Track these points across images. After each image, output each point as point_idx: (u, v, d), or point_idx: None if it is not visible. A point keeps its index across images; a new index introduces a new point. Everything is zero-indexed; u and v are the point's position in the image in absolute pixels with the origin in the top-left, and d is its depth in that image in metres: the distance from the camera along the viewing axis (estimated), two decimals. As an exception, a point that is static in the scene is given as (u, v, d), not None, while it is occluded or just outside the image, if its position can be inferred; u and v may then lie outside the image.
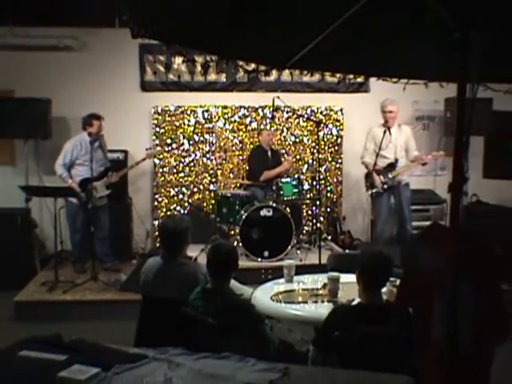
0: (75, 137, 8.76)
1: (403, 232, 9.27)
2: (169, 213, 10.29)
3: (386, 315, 3.93)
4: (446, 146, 10.43)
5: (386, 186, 9.04)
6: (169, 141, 10.25)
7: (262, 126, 10.34)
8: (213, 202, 10.15)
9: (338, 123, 10.60)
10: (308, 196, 10.17)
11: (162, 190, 10.33)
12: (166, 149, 10.22)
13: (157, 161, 10.18)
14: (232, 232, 9.87)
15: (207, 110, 10.32)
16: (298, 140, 10.56)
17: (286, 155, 10.37)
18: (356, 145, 9.93)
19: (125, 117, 9.70)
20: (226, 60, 4.37)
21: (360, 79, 9.59)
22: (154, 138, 10.22)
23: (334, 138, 10.63)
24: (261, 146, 9.86)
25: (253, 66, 4.75)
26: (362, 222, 10.58)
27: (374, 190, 9.11)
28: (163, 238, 5.19)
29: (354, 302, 4.39)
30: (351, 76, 5.19)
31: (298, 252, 9.26)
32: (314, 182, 10.01)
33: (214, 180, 10.34)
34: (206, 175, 10.38)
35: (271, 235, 8.92)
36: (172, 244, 5.03)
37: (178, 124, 10.26)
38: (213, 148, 10.35)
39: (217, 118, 10.33)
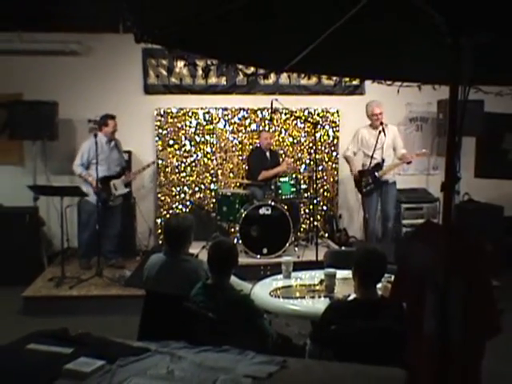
0: (91, 137, 8.72)
1: (385, 230, 9.27)
2: (171, 211, 10.30)
3: (381, 310, 3.92)
4: (439, 147, 10.46)
5: (371, 186, 9.04)
6: (171, 142, 10.25)
7: (261, 128, 10.35)
8: (213, 200, 10.17)
9: (334, 124, 10.60)
10: (305, 195, 10.16)
11: (165, 189, 10.34)
12: (169, 149, 10.22)
13: (160, 161, 10.18)
14: (232, 230, 9.88)
15: (208, 112, 10.32)
16: (295, 141, 10.55)
17: (284, 156, 10.37)
18: (352, 145, 9.95)
19: (129, 119, 9.69)
20: (226, 64, 4.37)
21: (355, 82, 9.53)
22: (157, 139, 10.23)
23: (331, 138, 10.63)
24: (260, 146, 9.86)
25: (252, 69, 4.74)
26: (358, 220, 10.57)
27: (364, 190, 9.12)
28: (167, 235, 5.17)
29: (350, 298, 4.39)
30: (347, 79, 5.19)
31: (296, 249, 9.28)
32: (312, 182, 10.02)
33: (214, 179, 10.36)
34: (207, 175, 10.38)
35: (270, 233, 8.92)
36: (175, 241, 5.03)
37: (179, 125, 10.27)
38: (213, 149, 10.35)
39: (217, 119, 10.34)
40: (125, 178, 8.97)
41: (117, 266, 8.89)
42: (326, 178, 10.65)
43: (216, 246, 4.54)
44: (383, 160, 8.95)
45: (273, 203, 9.01)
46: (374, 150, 8.82)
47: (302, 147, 10.58)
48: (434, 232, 2.99)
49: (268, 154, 9.78)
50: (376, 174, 8.95)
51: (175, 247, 5.01)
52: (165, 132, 10.23)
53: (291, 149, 10.53)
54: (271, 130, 10.31)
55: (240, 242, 8.85)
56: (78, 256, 9.16)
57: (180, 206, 10.36)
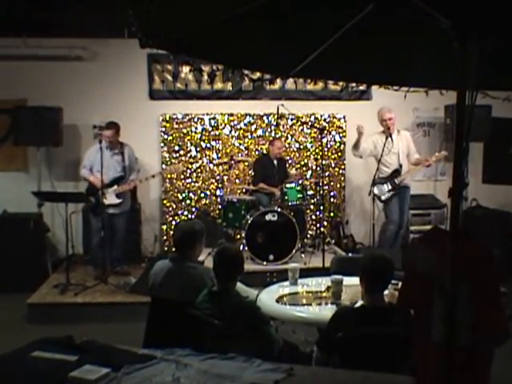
0: (96, 143, 8.66)
1: (396, 236, 9.29)
2: (176, 217, 10.29)
3: (388, 317, 3.92)
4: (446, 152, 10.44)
5: (391, 193, 9.06)
6: (176, 148, 10.26)
7: (267, 133, 10.36)
8: (219, 207, 10.16)
9: (340, 130, 10.60)
10: (312, 201, 10.16)
11: (170, 196, 10.34)
12: (174, 155, 10.23)
13: (164, 166, 10.16)
14: (238, 236, 9.85)
15: (214, 118, 10.32)
16: (301, 147, 10.56)
17: (291, 162, 10.38)
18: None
19: (134, 125, 9.68)
20: (231, 69, 4.38)
21: (362, 87, 9.55)
22: (162, 145, 10.23)
23: (337, 144, 10.63)
24: (267, 154, 9.85)
25: (258, 74, 4.75)
26: (365, 226, 10.55)
27: (382, 198, 9.13)
28: (175, 241, 5.20)
29: (357, 305, 4.38)
30: (354, 84, 5.17)
31: (303, 255, 9.25)
32: (318, 188, 10.01)
33: (220, 186, 10.35)
34: (213, 181, 10.39)
35: (276, 239, 8.91)
36: (182, 247, 5.04)
37: (185, 131, 10.28)
38: (219, 154, 10.35)
39: (223, 125, 10.34)
40: (116, 189, 8.72)
41: (122, 273, 8.87)
42: (332, 183, 10.64)
43: (222, 253, 4.53)
44: (401, 166, 9.00)
45: (279, 209, 9.01)
46: (381, 156, 8.84)
47: (309, 153, 10.58)
48: (441, 238, 2.99)
49: (276, 162, 9.77)
50: (396, 180, 8.98)
51: (182, 253, 5.02)
52: (170, 138, 10.24)
53: (297, 155, 10.53)
54: (277, 136, 10.31)
55: (246, 248, 8.85)
56: (89, 262, 9.18)
57: (185, 213, 10.35)
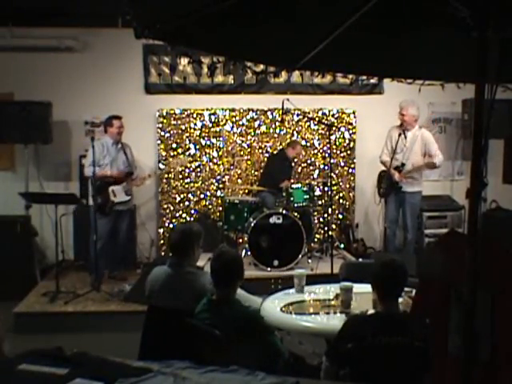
0: (99, 139, 8.76)
1: (405, 241, 9.27)
2: (174, 220, 10.28)
3: (404, 325, 3.90)
4: (464, 150, 10.44)
5: (386, 190, 9.07)
6: (174, 145, 10.24)
7: (272, 130, 10.36)
8: (220, 208, 10.16)
9: (350, 126, 10.59)
10: (319, 202, 10.14)
11: (168, 197, 10.34)
12: (172, 154, 10.22)
13: (162, 166, 10.15)
14: (240, 240, 9.86)
15: (214, 114, 10.31)
16: (308, 144, 10.55)
17: (296, 161, 10.38)
18: (369, 149, 9.94)
19: (128, 120, 9.64)
20: (233, 61, 4.38)
21: (373, 80, 9.57)
22: (159, 142, 10.22)
23: (347, 141, 10.61)
24: (285, 154, 9.81)
25: (261, 67, 4.75)
26: (376, 229, 10.55)
27: (380, 191, 9.18)
28: (171, 246, 5.18)
29: (369, 313, 4.37)
30: (364, 77, 5.17)
31: (309, 261, 9.26)
32: (326, 188, 9.99)
33: (221, 186, 10.34)
34: (213, 181, 10.38)
35: (281, 243, 8.91)
36: (180, 252, 5.03)
37: (183, 128, 10.26)
38: (220, 153, 10.35)
39: (224, 121, 10.33)
40: (126, 185, 8.81)
41: (120, 279, 8.85)
42: (341, 183, 10.64)
43: (218, 257, 4.49)
44: (403, 164, 8.95)
45: (284, 211, 9.00)
46: (394, 152, 8.83)
47: (316, 151, 10.58)
48: (458, 242, 2.99)
49: (287, 163, 9.78)
50: (392, 178, 8.97)
51: (180, 258, 5.00)
52: (167, 135, 10.22)
53: (304, 152, 10.50)
54: (282, 133, 10.32)
55: (249, 253, 8.85)
56: (84, 268, 9.16)
57: (184, 215, 10.34)
